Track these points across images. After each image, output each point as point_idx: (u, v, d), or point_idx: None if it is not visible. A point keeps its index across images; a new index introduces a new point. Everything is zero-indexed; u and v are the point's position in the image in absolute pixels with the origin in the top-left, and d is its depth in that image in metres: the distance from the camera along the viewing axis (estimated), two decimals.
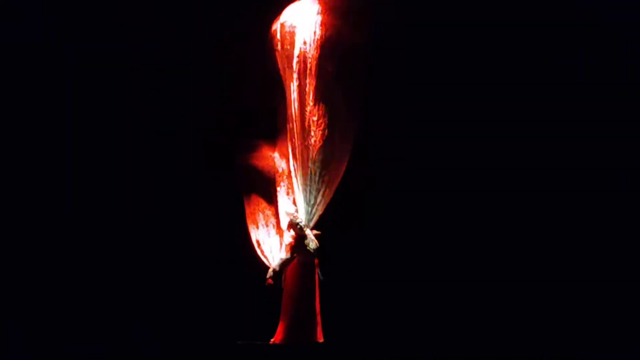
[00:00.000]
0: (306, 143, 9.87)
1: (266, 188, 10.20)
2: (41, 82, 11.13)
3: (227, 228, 10.77)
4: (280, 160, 10.20)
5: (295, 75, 9.92)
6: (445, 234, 11.10)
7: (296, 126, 9.92)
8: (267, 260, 10.04)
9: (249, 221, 10.15)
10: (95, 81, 11.18)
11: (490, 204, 11.13)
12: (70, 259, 11.00)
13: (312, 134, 9.86)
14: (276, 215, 10.13)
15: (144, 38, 11.10)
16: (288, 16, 10.01)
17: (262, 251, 10.09)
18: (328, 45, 9.86)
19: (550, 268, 10.92)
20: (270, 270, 9.88)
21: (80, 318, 10.80)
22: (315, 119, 9.85)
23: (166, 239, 11.06)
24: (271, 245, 10.10)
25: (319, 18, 9.90)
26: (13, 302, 10.73)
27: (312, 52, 9.88)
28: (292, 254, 9.85)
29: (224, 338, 10.20)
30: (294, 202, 10.01)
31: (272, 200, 10.17)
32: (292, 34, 9.96)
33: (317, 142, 9.84)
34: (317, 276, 9.85)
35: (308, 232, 9.91)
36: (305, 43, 9.90)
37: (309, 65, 9.89)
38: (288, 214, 9.96)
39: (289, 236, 9.95)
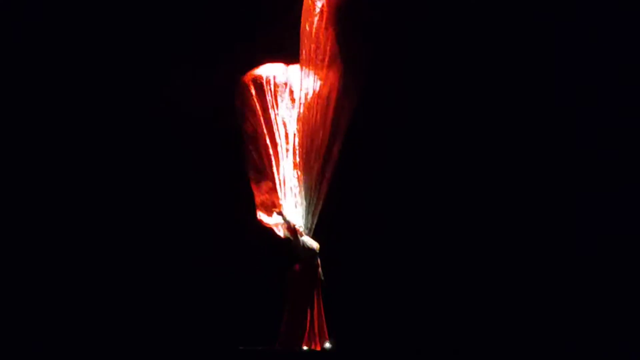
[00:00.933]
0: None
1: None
2: (45, 83, 11.13)
3: (229, 233, 10.82)
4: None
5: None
6: (445, 236, 11.13)
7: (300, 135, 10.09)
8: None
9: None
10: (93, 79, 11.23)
11: (489, 207, 11.17)
12: (70, 262, 11.01)
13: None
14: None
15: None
16: None
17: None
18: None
19: (552, 271, 10.97)
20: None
21: (82, 321, 10.81)
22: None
23: (168, 245, 11.07)
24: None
25: None
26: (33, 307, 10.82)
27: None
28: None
29: (227, 343, 10.21)
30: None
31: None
32: None
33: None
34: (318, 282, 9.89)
35: (305, 237, 9.96)
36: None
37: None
38: (282, 225, 10.04)
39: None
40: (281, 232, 10.11)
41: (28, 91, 11.12)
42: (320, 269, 9.95)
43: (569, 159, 11.09)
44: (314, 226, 10.03)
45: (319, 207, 10.04)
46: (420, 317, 10.91)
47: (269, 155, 10.16)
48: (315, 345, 9.77)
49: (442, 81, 11.15)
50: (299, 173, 10.06)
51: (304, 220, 10.01)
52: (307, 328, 9.75)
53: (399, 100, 11.08)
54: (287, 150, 10.12)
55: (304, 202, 10.01)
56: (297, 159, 10.08)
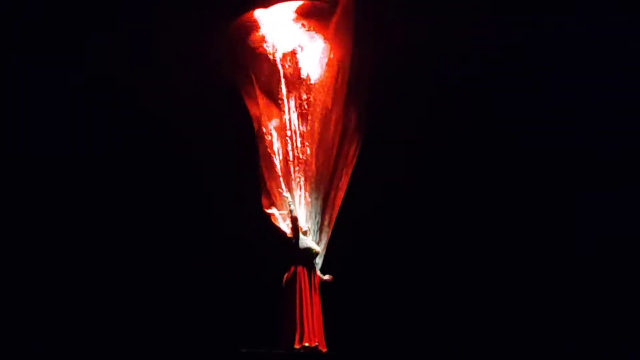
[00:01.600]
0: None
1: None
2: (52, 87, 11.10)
3: (230, 236, 10.81)
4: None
5: None
6: (445, 239, 11.15)
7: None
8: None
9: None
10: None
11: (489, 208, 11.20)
12: (69, 262, 11.00)
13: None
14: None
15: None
16: None
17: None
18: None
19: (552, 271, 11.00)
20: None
21: (83, 322, 10.79)
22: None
23: (170, 248, 11.04)
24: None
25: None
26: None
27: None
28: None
29: (228, 346, 10.19)
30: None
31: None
32: None
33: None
34: (304, 283, 9.88)
35: (307, 238, 9.97)
36: None
37: None
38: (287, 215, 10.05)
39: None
40: (287, 227, 10.09)
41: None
42: (318, 271, 9.96)
43: (568, 159, 11.12)
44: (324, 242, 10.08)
45: (331, 226, 10.08)
46: (420, 319, 10.93)
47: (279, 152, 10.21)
48: (313, 344, 9.77)
49: (445, 84, 11.17)
50: (310, 189, 10.10)
51: (311, 227, 10.02)
52: (304, 329, 9.75)
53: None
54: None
55: (314, 217, 10.05)
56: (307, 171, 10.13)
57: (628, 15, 10.83)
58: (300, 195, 10.03)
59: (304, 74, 10.26)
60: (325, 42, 10.31)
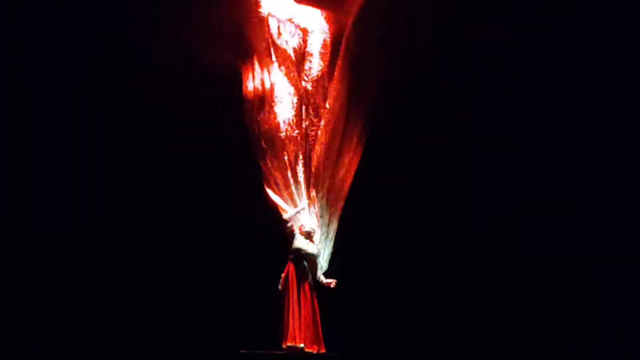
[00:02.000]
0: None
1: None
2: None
3: (230, 236, 10.80)
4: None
5: None
6: (445, 241, 11.15)
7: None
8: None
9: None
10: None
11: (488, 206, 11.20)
12: (68, 262, 10.99)
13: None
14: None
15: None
16: None
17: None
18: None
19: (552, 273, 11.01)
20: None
21: (82, 323, 10.79)
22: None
23: (170, 249, 11.02)
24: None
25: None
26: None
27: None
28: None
29: (228, 346, 10.20)
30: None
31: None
32: None
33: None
34: (293, 283, 9.86)
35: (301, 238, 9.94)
36: None
37: None
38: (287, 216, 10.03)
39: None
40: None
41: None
42: (321, 274, 9.95)
43: (570, 159, 11.12)
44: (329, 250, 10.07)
45: (333, 234, 10.07)
46: (421, 320, 10.93)
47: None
48: (298, 345, 9.75)
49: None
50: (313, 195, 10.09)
51: (315, 230, 10.01)
52: (289, 329, 9.73)
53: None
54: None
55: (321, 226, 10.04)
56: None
57: (628, 15, 10.88)
58: (301, 197, 10.04)
59: (305, 68, 10.26)
60: (327, 35, 10.31)
